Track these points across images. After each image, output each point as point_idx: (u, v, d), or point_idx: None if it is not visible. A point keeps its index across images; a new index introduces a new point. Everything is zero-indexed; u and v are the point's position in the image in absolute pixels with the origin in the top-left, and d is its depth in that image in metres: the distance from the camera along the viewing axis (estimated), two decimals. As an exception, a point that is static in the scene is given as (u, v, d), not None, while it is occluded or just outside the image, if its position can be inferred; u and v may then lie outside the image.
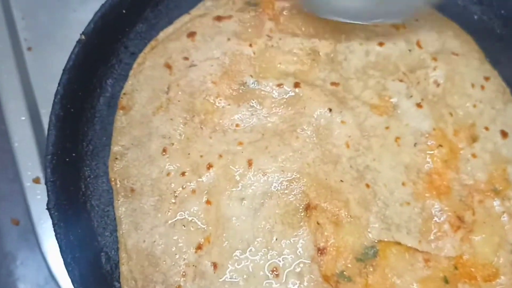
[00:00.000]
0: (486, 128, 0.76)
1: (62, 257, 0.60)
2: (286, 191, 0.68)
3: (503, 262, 0.69)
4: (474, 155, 0.74)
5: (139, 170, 0.69)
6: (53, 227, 0.61)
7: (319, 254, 0.67)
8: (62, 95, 0.66)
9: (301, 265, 0.66)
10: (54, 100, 0.65)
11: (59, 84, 0.66)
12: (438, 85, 0.77)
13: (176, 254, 0.65)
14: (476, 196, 0.72)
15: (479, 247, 0.70)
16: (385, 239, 0.68)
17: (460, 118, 0.75)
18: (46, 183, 0.61)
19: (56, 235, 0.60)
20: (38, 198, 0.74)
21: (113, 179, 0.68)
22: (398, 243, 0.69)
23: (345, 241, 0.68)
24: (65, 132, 0.66)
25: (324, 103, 0.73)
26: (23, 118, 0.80)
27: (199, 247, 0.65)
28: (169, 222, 0.66)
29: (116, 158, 0.69)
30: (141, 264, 0.64)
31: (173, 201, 0.67)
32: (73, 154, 0.68)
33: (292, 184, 0.69)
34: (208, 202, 0.67)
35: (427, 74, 0.78)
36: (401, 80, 0.77)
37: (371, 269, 0.67)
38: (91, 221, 0.67)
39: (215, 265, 0.65)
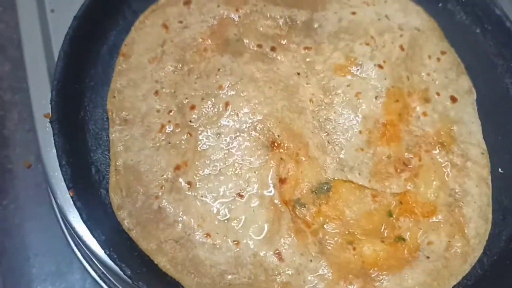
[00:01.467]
0: (438, 94, 0.84)
1: (58, 160, 0.68)
2: (256, 129, 0.76)
3: (441, 203, 0.76)
4: (425, 114, 0.82)
5: (133, 105, 0.77)
6: (53, 137, 0.69)
7: (280, 183, 0.74)
8: (71, 36, 0.75)
9: (264, 190, 0.73)
10: (64, 40, 0.74)
11: (69, 27, 0.75)
12: (403, 49, 0.85)
13: (157, 172, 0.73)
14: (424, 146, 0.79)
15: (421, 188, 0.76)
16: (339, 178, 0.75)
17: (415, 83, 0.83)
18: (50, 103, 0.70)
19: (55, 143, 0.69)
20: (47, 130, 0.81)
21: (110, 110, 0.76)
22: (350, 181, 0.75)
23: (303, 175, 0.75)
24: (71, 66, 0.75)
25: (293, 69, 0.82)
26: (41, 65, 0.88)
27: (177, 167, 0.73)
28: (154, 146, 0.74)
29: (114, 94, 0.77)
30: (127, 177, 0.72)
31: (159, 131, 0.75)
32: (76, 86, 0.77)
33: (261, 124, 0.76)
34: (189, 134, 0.75)
35: (394, 38, 0.85)
36: (367, 44, 0.84)
37: (324, 201, 0.74)
38: (86, 141, 0.75)
39: (189, 184, 0.72)
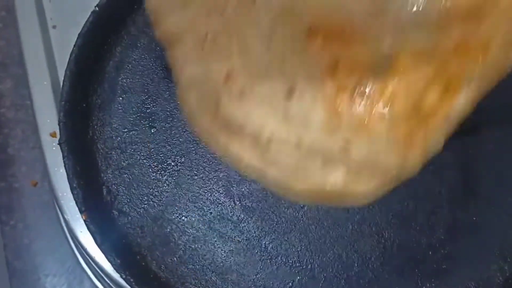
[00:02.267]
0: None
1: (69, 183, 0.66)
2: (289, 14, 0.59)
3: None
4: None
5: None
6: (63, 159, 0.67)
7: (330, 70, 0.59)
8: (77, 54, 0.72)
9: (314, 81, 0.59)
10: (69, 58, 0.72)
11: (74, 45, 0.73)
12: None
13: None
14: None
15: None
16: (399, 45, 0.56)
17: None
18: (59, 124, 0.68)
19: (65, 165, 0.67)
20: (53, 149, 0.79)
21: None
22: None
23: (355, 54, 0.58)
24: (78, 85, 0.72)
25: None
26: (45, 83, 0.86)
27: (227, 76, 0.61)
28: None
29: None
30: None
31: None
32: (84, 105, 0.74)
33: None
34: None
35: None
36: None
37: (383, 81, 0.57)
38: (96, 161, 0.73)
39: (241, 89, 0.61)
